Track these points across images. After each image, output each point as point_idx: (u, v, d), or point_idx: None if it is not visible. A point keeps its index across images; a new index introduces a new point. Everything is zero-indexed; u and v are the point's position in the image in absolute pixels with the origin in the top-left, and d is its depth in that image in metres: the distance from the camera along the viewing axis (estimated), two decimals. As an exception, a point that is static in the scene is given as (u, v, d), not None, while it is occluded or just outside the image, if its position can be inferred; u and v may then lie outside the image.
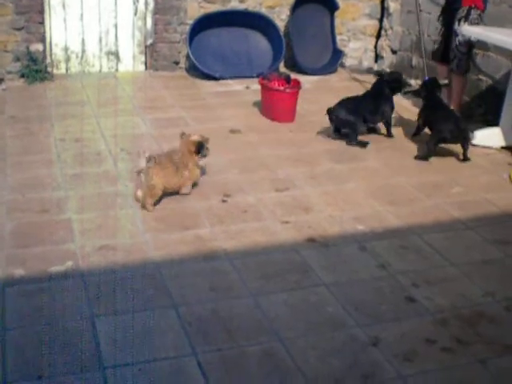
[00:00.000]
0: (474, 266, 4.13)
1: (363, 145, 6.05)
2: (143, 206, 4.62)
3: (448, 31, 6.67)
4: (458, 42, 6.47)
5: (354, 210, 4.75)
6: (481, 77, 7.29)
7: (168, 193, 4.77)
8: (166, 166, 4.68)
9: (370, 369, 3.16)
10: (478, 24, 6.35)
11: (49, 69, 7.64)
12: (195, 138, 4.91)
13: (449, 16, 6.65)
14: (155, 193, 4.62)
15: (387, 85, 6.29)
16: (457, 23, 6.43)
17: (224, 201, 4.79)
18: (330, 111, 6.08)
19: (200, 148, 4.86)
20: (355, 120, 6.07)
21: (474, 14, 6.34)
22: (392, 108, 6.31)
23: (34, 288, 3.64)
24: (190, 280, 3.79)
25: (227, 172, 5.32)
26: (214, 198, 4.83)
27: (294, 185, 5.13)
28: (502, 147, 6.12)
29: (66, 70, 7.85)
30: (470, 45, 6.50)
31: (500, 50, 6.19)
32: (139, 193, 4.68)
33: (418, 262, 4.14)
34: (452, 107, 6.59)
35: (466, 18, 6.34)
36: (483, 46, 6.99)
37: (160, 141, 5.85)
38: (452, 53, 6.56)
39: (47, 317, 3.40)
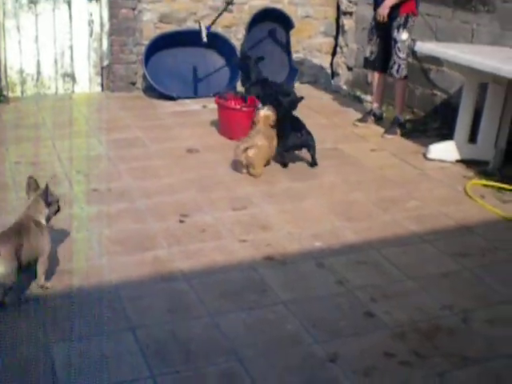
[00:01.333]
0: (431, 279, 4.16)
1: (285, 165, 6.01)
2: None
3: (382, 40, 6.91)
4: (397, 49, 6.76)
5: (312, 227, 4.76)
6: (435, 91, 7.41)
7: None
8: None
9: (329, 385, 3.16)
10: (412, 29, 6.77)
11: (4, 92, 7.57)
12: (269, 112, 5.77)
13: (383, 25, 6.81)
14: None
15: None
16: (395, 31, 6.73)
17: (181, 221, 4.78)
18: None
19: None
20: None
21: (410, 21, 6.71)
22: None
23: (-12, 314, 3.58)
24: (147, 302, 3.75)
25: (185, 191, 5.30)
26: (171, 218, 4.81)
27: (252, 203, 5.13)
28: (457, 160, 6.19)
29: (22, 93, 7.79)
30: (409, 50, 6.83)
31: (453, 65, 6.28)
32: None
33: (376, 276, 4.16)
34: (397, 111, 7.07)
35: (405, 25, 6.70)
36: (436, 61, 7.11)
37: (117, 162, 5.83)
38: (391, 59, 6.82)
39: (2, 344, 3.33)
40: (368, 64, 7.31)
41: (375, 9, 6.93)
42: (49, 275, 3.90)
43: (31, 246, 3.72)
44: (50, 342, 3.36)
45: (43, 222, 3.87)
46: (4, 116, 7.05)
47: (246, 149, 5.57)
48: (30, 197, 3.92)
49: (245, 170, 5.68)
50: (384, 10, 6.68)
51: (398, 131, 7.00)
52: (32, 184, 3.95)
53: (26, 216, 3.83)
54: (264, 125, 5.77)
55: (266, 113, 5.82)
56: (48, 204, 3.91)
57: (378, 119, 7.30)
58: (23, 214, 3.86)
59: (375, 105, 7.35)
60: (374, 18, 6.97)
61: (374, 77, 7.32)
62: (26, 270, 3.72)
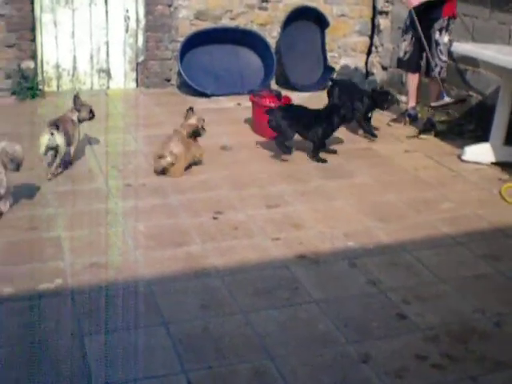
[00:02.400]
0: (464, 282, 4.13)
1: (323, 161, 6.06)
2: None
3: (418, 40, 6.85)
4: (439, 51, 6.74)
5: (344, 227, 4.75)
6: (471, 93, 7.33)
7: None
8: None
9: (360, 386, 3.16)
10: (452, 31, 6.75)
11: (40, 86, 7.64)
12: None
13: (423, 25, 6.76)
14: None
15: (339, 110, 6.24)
16: (437, 33, 6.71)
17: (215, 218, 4.79)
18: (269, 111, 6.12)
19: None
20: (286, 128, 6.04)
21: (451, 23, 6.70)
22: (326, 132, 6.17)
23: (23, 306, 3.62)
24: (180, 297, 3.78)
25: (218, 189, 5.32)
26: (204, 214, 4.83)
27: (284, 201, 5.13)
28: (492, 163, 6.14)
29: (57, 88, 7.86)
30: (450, 53, 6.82)
31: (490, 66, 6.23)
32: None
33: (409, 278, 4.14)
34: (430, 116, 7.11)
35: (447, 28, 6.69)
36: (473, 62, 7.04)
37: (151, 158, 5.85)
38: (433, 61, 6.79)
39: (36, 335, 3.38)
40: (402, 64, 7.27)
41: (424, 5, 6.82)
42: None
43: (67, 133, 5.38)
44: (84, 335, 3.39)
45: (75, 119, 5.61)
46: (40, 110, 7.11)
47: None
48: None
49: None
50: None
51: (433, 132, 6.98)
52: (76, 98, 5.72)
53: (65, 114, 5.63)
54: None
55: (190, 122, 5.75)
56: (77, 109, 5.65)
57: (413, 120, 7.26)
58: (65, 114, 5.64)
59: (410, 105, 7.30)
60: (410, 18, 6.94)
61: (409, 77, 7.30)
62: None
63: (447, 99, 6.85)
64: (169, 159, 5.45)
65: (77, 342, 3.34)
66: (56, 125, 5.26)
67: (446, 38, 6.70)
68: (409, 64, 7.15)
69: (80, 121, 5.67)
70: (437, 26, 6.70)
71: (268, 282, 4.00)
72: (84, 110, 5.70)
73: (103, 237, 4.43)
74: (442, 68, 6.82)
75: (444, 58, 6.79)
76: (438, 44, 6.74)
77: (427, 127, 7.03)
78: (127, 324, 3.49)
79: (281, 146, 6.07)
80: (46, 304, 3.65)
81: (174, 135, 5.60)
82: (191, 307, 3.68)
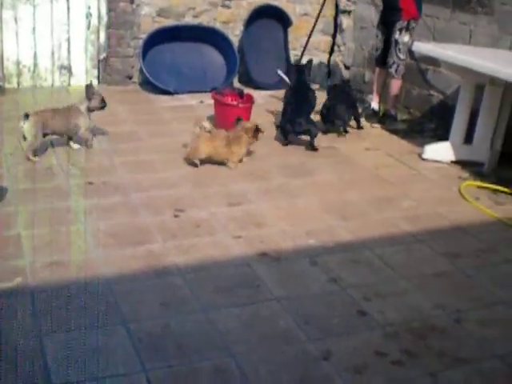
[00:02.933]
0: (424, 279, 4.17)
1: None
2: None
3: (387, 38, 7.11)
4: (397, 50, 6.98)
5: (306, 225, 4.77)
6: (432, 92, 7.42)
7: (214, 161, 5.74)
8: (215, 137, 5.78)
9: (320, 383, 3.16)
10: (414, 31, 6.98)
11: (0, 83, 7.54)
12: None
13: (387, 25, 7.08)
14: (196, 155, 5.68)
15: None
16: (397, 33, 6.95)
17: (176, 216, 4.77)
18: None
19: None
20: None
21: (412, 24, 6.93)
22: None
23: (-18, 305, 3.57)
24: (141, 296, 3.75)
25: (180, 186, 5.30)
26: (166, 212, 4.81)
27: (247, 199, 5.13)
28: (452, 161, 6.21)
29: (18, 85, 7.77)
30: (409, 51, 7.02)
31: (451, 66, 6.29)
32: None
33: (370, 275, 4.17)
34: (389, 106, 7.34)
35: (407, 28, 6.92)
36: (434, 62, 7.12)
37: (112, 155, 5.82)
38: (391, 59, 7.05)
39: (-6, 334, 3.34)
40: (376, 61, 7.48)
41: (384, 8, 7.18)
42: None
43: (66, 122, 5.81)
44: (43, 334, 3.35)
45: (82, 109, 5.87)
46: (0, 107, 7.02)
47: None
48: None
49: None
50: None
51: (387, 122, 7.29)
52: (88, 87, 5.94)
53: (71, 104, 5.95)
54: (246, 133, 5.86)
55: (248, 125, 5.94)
56: (88, 98, 5.88)
57: (375, 114, 7.36)
58: (70, 104, 5.96)
59: (375, 100, 7.43)
60: (381, 16, 7.22)
61: (376, 72, 7.50)
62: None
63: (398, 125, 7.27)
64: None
65: (36, 341, 3.30)
66: (26, 114, 5.56)
67: (405, 38, 6.91)
68: (378, 60, 7.36)
69: (91, 110, 5.95)
70: (397, 26, 6.91)
71: (229, 279, 3.99)
72: (95, 98, 5.94)
73: (64, 235, 4.38)
74: (398, 65, 7.04)
75: (402, 56, 7.00)
76: (397, 43, 6.95)
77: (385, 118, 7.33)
78: (87, 323, 3.46)
79: (311, 147, 6.33)
80: (5, 303, 3.60)
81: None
82: (152, 306, 3.66)
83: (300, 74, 6.71)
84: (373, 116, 7.39)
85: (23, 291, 3.73)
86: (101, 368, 3.14)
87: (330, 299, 3.87)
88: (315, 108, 6.72)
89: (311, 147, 6.32)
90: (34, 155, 5.65)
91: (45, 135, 5.75)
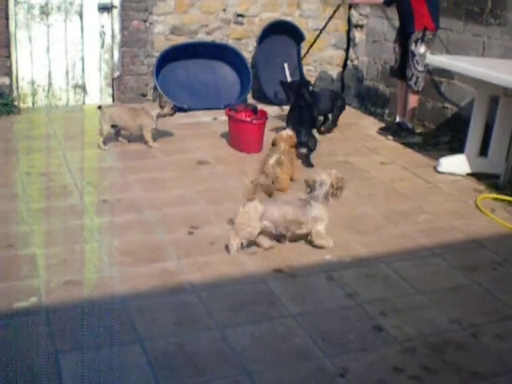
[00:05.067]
0: (441, 293, 4.14)
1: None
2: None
3: (404, 51, 7.08)
4: (415, 62, 6.92)
5: (322, 240, 4.74)
6: (446, 105, 7.40)
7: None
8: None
9: (337, 400, 3.14)
10: (432, 43, 6.91)
11: (15, 102, 7.61)
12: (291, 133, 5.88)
13: (404, 38, 7.05)
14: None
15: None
16: (413, 44, 6.90)
17: (191, 233, 4.77)
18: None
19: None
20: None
21: (428, 34, 6.85)
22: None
23: (-2, 324, 3.58)
24: (156, 314, 3.74)
25: (194, 204, 5.30)
26: (180, 230, 4.81)
27: (261, 215, 5.11)
28: (468, 174, 6.17)
29: (33, 104, 7.82)
30: (427, 63, 6.88)
31: (465, 78, 6.28)
32: None
33: (386, 290, 4.14)
34: (406, 119, 7.29)
35: (422, 39, 6.85)
36: (448, 74, 7.11)
37: (126, 173, 5.83)
38: (409, 71, 7.00)
39: (11, 353, 3.33)
40: (393, 73, 7.52)
41: (400, 20, 7.16)
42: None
43: (132, 120, 6.57)
44: (59, 353, 3.35)
45: (153, 113, 6.62)
46: (15, 126, 7.07)
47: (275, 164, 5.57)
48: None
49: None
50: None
51: (404, 134, 7.25)
52: (161, 95, 7.10)
53: (141, 107, 6.80)
54: (286, 145, 5.78)
55: (288, 133, 5.86)
56: (161, 106, 6.63)
57: (402, 129, 7.33)
58: (141, 107, 6.88)
59: (400, 114, 7.46)
60: (398, 28, 7.22)
61: (398, 85, 7.51)
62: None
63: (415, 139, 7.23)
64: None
65: (52, 360, 3.30)
66: (99, 106, 6.62)
67: (421, 49, 6.84)
68: (397, 73, 7.36)
69: (162, 115, 6.68)
70: (413, 37, 6.88)
71: (244, 296, 3.97)
72: (167, 106, 6.68)
73: (78, 254, 4.39)
74: (417, 78, 6.97)
75: (420, 68, 6.93)
76: (414, 55, 6.91)
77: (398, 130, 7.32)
78: (102, 342, 3.45)
79: (307, 162, 6.25)
80: (21, 323, 3.60)
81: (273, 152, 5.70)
82: (166, 324, 3.65)
83: (300, 88, 6.78)
84: (400, 131, 7.33)
85: (38, 310, 3.73)
86: (116, 387, 3.13)
87: (346, 315, 3.84)
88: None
89: (307, 162, 6.25)
90: (104, 144, 6.50)
91: (114, 127, 6.62)
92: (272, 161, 5.57)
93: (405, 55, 7.08)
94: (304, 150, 6.30)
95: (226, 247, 4.50)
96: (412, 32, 6.87)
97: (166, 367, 3.28)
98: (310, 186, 4.67)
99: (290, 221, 4.53)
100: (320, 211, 4.61)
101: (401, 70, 7.21)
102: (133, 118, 6.58)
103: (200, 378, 3.22)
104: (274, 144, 5.83)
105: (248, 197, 4.43)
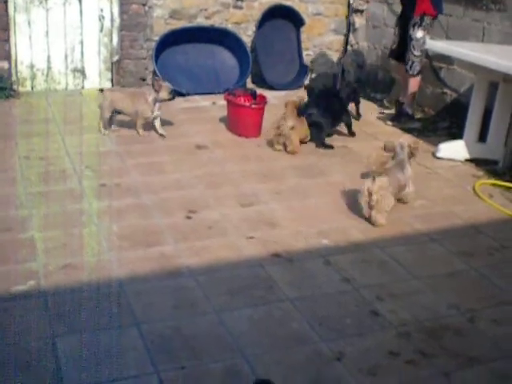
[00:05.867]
0: (438, 279, 4.15)
1: (330, 147, 6.40)
2: None
3: (404, 34, 7.09)
4: (412, 46, 6.94)
5: (319, 225, 4.76)
6: (445, 90, 7.39)
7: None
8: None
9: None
10: (430, 28, 6.89)
11: (14, 86, 7.59)
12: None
13: (404, 21, 7.09)
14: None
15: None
16: (412, 29, 6.91)
17: (189, 217, 4.78)
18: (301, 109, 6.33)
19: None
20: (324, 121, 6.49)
21: (426, 20, 6.85)
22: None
23: (-5, 308, 3.59)
24: (153, 298, 3.76)
25: (193, 188, 5.30)
26: (178, 214, 4.82)
27: (259, 200, 5.13)
28: (467, 160, 6.18)
29: (32, 88, 7.80)
30: (424, 48, 6.92)
31: (464, 63, 6.27)
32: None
33: (382, 275, 4.15)
34: (406, 104, 7.28)
35: (420, 24, 6.85)
36: (447, 60, 7.09)
37: (125, 157, 5.84)
38: (407, 55, 7.02)
39: (8, 336, 3.35)
40: (391, 53, 7.54)
41: (402, 3, 7.20)
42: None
43: (131, 106, 6.40)
44: (56, 336, 3.37)
45: (149, 99, 6.34)
46: (14, 110, 7.06)
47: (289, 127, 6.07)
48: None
49: (280, 147, 6.21)
50: None
51: (403, 119, 7.26)
52: (154, 80, 6.64)
53: (140, 92, 6.64)
54: (290, 110, 6.13)
55: (292, 98, 6.26)
56: (155, 90, 6.33)
57: (408, 117, 7.34)
58: (140, 91, 6.76)
59: (402, 99, 7.42)
60: (400, 13, 7.29)
61: (397, 69, 7.62)
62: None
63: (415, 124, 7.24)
64: (286, 131, 6.07)
65: (49, 343, 3.32)
66: (101, 89, 6.68)
67: (419, 34, 6.85)
68: (394, 53, 7.41)
69: (159, 101, 6.39)
70: (412, 22, 6.89)
71: (242, 280, 3.99)
72: (164, 90, 6.36)
73: (77, 238, 4.40)
74: (413, 62, 7.00)
75: (416, 52, 6.94)
76: (411, 39, 6.93)
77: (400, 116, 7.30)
78: (99, 325, 3.47)
79: (323, 145, 6.45)
80: (19, 306, 3.62)
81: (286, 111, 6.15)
82: (164, 307, 3.67)
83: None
84: (399, 116, 7.34)
85: (36, 294, 3.74)
86: (113, 370, 3.14)
87: (343, 299, 3.86)
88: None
89: (320, 143, 6.44)
90: (105, 128, 6.43)
91: (115, 112, 6.46)
92: (289, 123, 6.05)
93: (405, 39, 7.07)
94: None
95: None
96: (411, 16, 6.88)
97: (163, 350, 3.30)
98: (392, 151, 5.04)
99: (402, 186, 5.00)
100: (411, 172, 5.06)
101: (398, 51, 7.24)
102: (132, 104, 6.44)
103: (197, 361, 3.24)
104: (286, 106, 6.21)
105: (378, 170, 4.74)
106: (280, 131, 6.12)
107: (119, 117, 6.55)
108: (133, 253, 4.24)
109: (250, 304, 3.75)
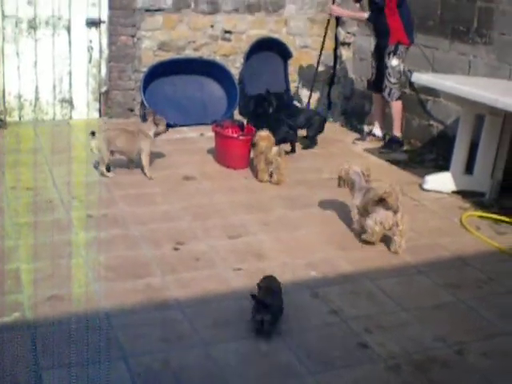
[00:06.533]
0: (425, 311, 4.15)
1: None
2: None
3: (380, 65, 7.36)
4: (388, 74, 7.21)
5: (307, 257, 4.75)
6: (432, 122, 7.44)
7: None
8: None
9: (321, 417, 3.14)
10: (404, 57, 7.23)
11: (1, 116, 7.59)
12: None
13: (379, 53, 7.38)
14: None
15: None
16: (387, 57, 7.18)
17: (176, 249, 4.76)
18: None
19: None
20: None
21: (401, 48, 7.15)
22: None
23: (-20, 340, 3.55)
24: (140, 330, 3.73)
25: (180, 219, 5.29)
26: (165, 245, 4.80)
27: (247, 232, 5.12)
28: (453, 192, 6.20)
29: (20, 118, 7.80)
30: (400, 75, 7.22)
31: (450, 96, 6.32)
32: None
33: (370, 307, 4.14)
34: (394, 131, 7.47)
35: (395, 52, 7.14)
36: (433, 92, 7.15)
37: (112, 188, 5.83)
38: (384, 83, 7.28)
39: (-7, 370, 3.32)
40: (369, 86, 7.78)
41: (376, 35, 7.48)
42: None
43: (132, 144, 6.16)
44: (42, 369, 3.33)
45: (150, 134, 6.21)
46: (1, 140, 7.05)
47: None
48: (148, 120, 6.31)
49: (267, 178, 6.24)
50: (335, 10, 7.92)
51: (394, 146, 7.45)
52: (148, 112, 6.56)
53: (137, 128, 6.36)
54: (265, 143, 6.21)
55: (266, 132, 6.30)
56: (156, 124, 6.22)
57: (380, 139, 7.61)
58: (136, 127, 6.47)
59: (376, 125, 7.68)
60: (375, 43, 7.51)
61: (374, 98, 7.79)
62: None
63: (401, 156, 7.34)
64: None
65: (35, 376, 3.28)
66: (93, 132, 6.08)
67: (394, 62, 7.15)
68: (372, 85, 7.64)
69: (157, 134, 6.30)
70: (387, 50, 7.18)
71: (229, 313, 3.97)
72: (161, 124, 6.29)
73: (63, 269, 4.37)
74: (391, 89, 7.26)
75: (392, 80, 7.21)
76: (386, 67, 7.19)
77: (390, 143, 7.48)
78: (86, 358, 3.43)
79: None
80: (4, 338, 3.58)
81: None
82: (151, 340, 3.64)
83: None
84: (396, 144, 7.50)
85: (22, 326, 3.71)
86: (99, 404, 3.11)
87: (331, 331, 3.85)
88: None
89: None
90: (108, 171, 6.14)
91: (112, 153, 6.15)
92: (275, 150, 6.13)
93: (381, 69, 7.33)
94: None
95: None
96: (386, 46, 7.16)
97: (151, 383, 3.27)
98: (346, 181, 5.21)
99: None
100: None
101: (376, 83, 7.46)
102: (133, 142, 6.16)
103: (184, 394, 3.21)
104: (254, 146, 6.24)
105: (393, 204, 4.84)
106: (268, 160, 6.14)
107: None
108: (120, 284, 4.21)
109: (237, 337, 3.73)
